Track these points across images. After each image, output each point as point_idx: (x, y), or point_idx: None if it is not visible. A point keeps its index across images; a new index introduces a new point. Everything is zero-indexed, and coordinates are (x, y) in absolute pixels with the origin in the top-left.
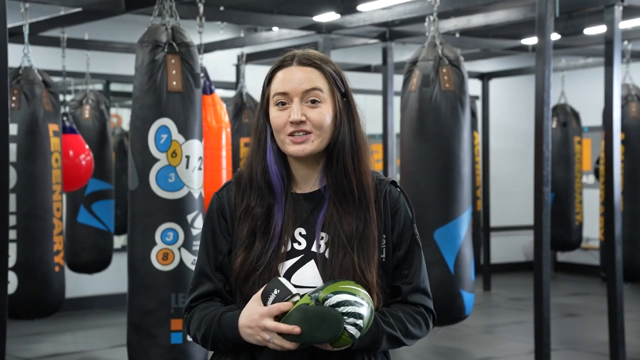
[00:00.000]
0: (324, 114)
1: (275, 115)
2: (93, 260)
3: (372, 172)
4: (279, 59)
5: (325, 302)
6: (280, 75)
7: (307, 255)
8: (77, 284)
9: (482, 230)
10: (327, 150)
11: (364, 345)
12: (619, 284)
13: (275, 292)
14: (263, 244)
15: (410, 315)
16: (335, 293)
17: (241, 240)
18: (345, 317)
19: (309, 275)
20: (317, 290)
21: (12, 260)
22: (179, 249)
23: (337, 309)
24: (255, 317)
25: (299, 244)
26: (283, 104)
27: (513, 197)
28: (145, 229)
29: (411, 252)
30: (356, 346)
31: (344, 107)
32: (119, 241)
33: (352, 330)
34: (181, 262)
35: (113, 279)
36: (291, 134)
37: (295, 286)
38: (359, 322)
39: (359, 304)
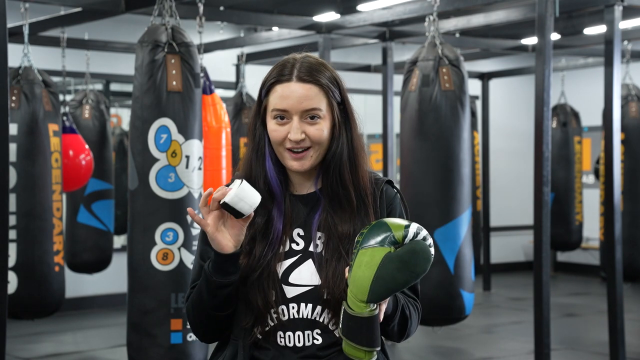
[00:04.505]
0: (323, 129)
1: (274, 129)
2: (93, 260)
3: (369, 173)
4: (277, 70)
5: (405, 239)
6: (279, 90)
7: (304, 254)
8: (77, 284)
9: (482, 230)
10: (324, 159)
11: (388, 307)
12: (619, 284)
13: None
14: (262, 247)
15: (415, 312)
16: (405, 228)
17: (242, 247)
18: (424, 240)
19: (306, 273)
20: (384, 239)
21: (12, 260)
22: (179, 248)
23: (416, 239)
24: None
25: (297, 244)
26: (282, 117)
27: (513, 197)
28: (145, 229)
29: None
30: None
31: (341, 117)
32: (119, 241)
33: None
34: (181, 262)
35: (113, 279)
36: (290, 150)
37: (293, 285)
38: (429, 240)
39: (418, 225)
